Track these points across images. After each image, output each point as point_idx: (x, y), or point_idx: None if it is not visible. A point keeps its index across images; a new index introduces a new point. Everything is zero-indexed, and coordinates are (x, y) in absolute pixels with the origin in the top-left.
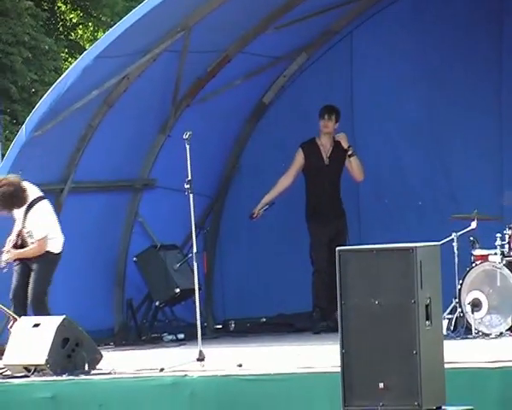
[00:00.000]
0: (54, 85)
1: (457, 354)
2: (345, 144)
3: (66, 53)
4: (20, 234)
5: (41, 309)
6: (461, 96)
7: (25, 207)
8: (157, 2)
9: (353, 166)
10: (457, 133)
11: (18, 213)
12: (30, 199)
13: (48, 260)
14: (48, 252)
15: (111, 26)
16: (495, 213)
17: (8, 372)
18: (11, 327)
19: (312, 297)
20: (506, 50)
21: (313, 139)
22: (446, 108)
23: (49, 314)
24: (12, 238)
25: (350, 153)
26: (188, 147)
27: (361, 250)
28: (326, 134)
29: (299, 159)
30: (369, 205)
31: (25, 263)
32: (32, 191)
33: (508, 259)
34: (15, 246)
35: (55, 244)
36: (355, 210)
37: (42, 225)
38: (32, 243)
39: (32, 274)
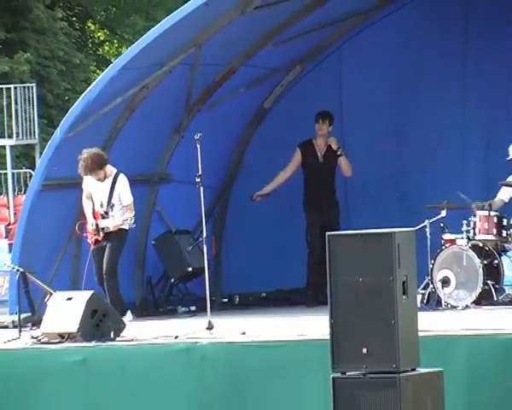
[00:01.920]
0: (84, 93)
1: (429, 323)
2: (334, 146)
3: (95, 66)
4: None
5: (113, 278)
6: (431, 102)
7: (111, 179)
8: (172, 23)
9: (342, 164)
10: (429, 135)
11: (102, 186)
12: (111, 171)
13: (121, 235)
14: (121, 229)
15: (132, 43)
16: (461, 202)
17: (45, 339)
18: (48, 300)
19: (307, 275)
20: (470, 64)
21: (310, 140)
22: (418, 113)
23: (117, 284)
24: (103, 207)
25: (339, 153)
26: (198, 146)
27: (348, 235)
28: (321, 136)
29: (297, 157)
30: (356, 196)
31: (101, 249)
32: (110, 166)
33: (473, 242)
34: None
35: (127, 222)
36: (344, 200)
37: (129, 192)
38: (112, 215)
39: (108, 248)
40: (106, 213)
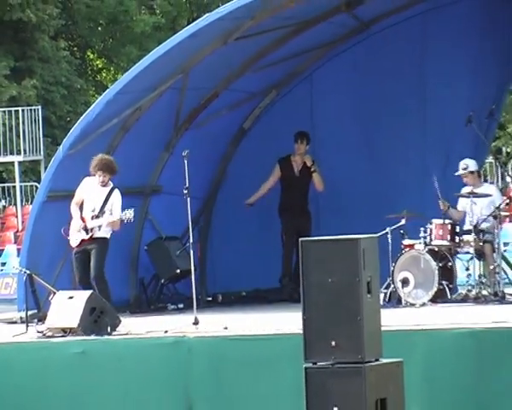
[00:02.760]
0: (84, 115)
1: (391, 319)
2: (309, 164)
3: (94, 91)
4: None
5: (102, 282)
6: (394, 123)
7: (108, 189)
8: (162, 52)
9: (315, 180)
10: (393, 153)
11: (98, 191)
12: (110, 183)
13: (104, 243)
14: (104, 237)
15: (127, 70)
16: (419, 212)
17: (50, 333)
18: (51, 299)
19: (282, 269)
20: (428, 88)
21: (288, 156)
22: (382, 133)
23: (107, 286)
24: (95, 212)
25: (313, 170)
26: (186, 161)
27: (319, 241)
28: (299, 154)
29: (277, 171)
30: (327, 206)
31: (84, 252)
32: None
33: (429, 247)
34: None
35: (110, 231)
36: (316, 210)
37: (120, 208)
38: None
39: (94, 255)
40: (96, 216)
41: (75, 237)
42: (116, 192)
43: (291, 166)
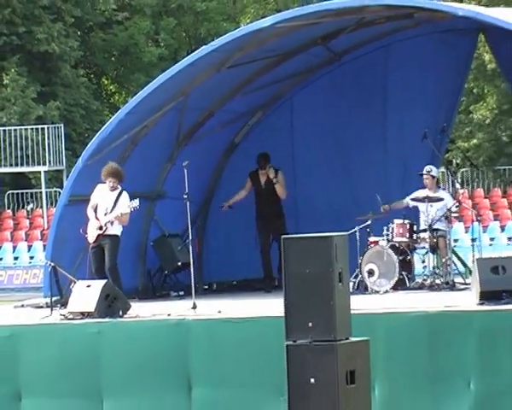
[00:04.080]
0: (99, 132)
1: (359, 304)
2: (271, 176)
3: (108, 111)
4: (108, 210)
5: (115, 272)
6: (359, 136)
7: (117, 192)
8: (166, 78)
9: (277, 190)
10: (359, 164)
11: (109, 196)
12: (118, 187)
13: (116, 239)
14: (116, 235)
15: (136, 94)
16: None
17: (71, 316)
18: (72, 287)
19: (263, 268)
20: (390, 109)
21: (257, 170)
22: (352, 149)
23: (119, 276)
24: (106, 211)
25: (274, 182)
26: (186, 171)
27: (298, 238)
28: (262, 173)
29: (248, 183)
30: (306, 211)
31: (99, 247)
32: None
33: (391, 243)
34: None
35: (120, 229)
36: (296, 215)
37: (127, 205)
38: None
39: (108, 250)
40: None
41: (92, 234)
42: (124, 193)
43: (258, 179)
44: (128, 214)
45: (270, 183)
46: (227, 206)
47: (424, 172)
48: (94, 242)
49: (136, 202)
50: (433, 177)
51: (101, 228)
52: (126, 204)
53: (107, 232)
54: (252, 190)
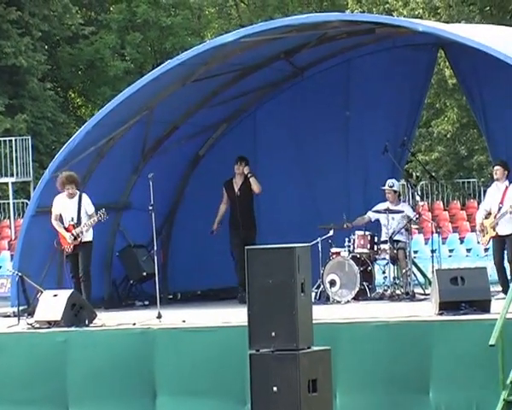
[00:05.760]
0: (66, 144)
1: (321, 314)
2: (246, 171)
3: (74, 124)
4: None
5: (88, 279)
6: (321, 148)
7: (77, 198)
8: (131, 92)
9: (252, 183)
10: (322, 175)
11: (70, 203)
12: (76, 192)
13: (89, 246)
14: (88, 241)
15: (102, 107)
16: (344, 224)
17: (37, 325)
18: (39, 296)
19: (238, 279)
20: (352, 122)
21: (231, 179)
22: (314, 159)
23: (90, 282)
24: (74, 220)
25: (250, 175)
26: (151, 183)
27: (261, 249)
28: (238, 174)
29: (224, 192)
30: (267, 220)
31: (74, 255)
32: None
33: (352, 254)
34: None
35: (91, 234)
36: (258, 225)
37: (91, 205)
38: (85, 222)
39: (81, 257)
40: (77, 224)
41: (67, 246)
42: (84, 196)
43: (232, 187)
44: (95, 213)
45: (245, 187)
46: (216, 228)
47: (386, 186)
48: (72, 251)
49: (103, 213)
50: (395, 191)
51: (76, 239)
52: (91, 205)
53: (82, 239)
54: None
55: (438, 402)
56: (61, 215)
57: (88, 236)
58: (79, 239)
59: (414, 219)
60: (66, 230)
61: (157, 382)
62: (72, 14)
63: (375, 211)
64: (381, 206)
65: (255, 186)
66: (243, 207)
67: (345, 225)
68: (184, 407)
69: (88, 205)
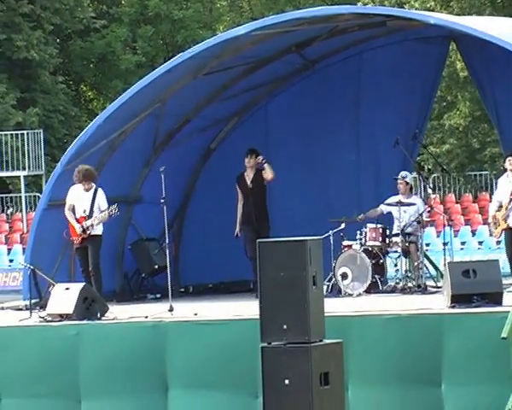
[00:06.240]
0: (78, 137)
1: (332, 307)
2: (259, 160)
3: (86, 117)
4: (87, 210)
5: (98, 273)
6: (332, 141)
7: (92, 191)
8: (143, 85)
9: (266, 168)
10: (332, 168)
11: (84, 195)
12: (92, 186)
13: (98, 239)
14: (98, 235)
15: (114, 100)
16: (356, 217)
17: (49, 318)
18: (51, 290)
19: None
20: (362, 113)
21: (242, 173)
22: (325, 152)
23: (101, 276)
24: (86, 212)
25: (264, 161)
26: (162, 176)
27: (273, 242)
28: (249, 167)
29: (237, 188)
30: (279, 214)
31: (83, 248)
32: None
33: (364, 247)
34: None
35: (102, 228)
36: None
37: (105, 201)
38: (96, 216)
39: (90, 250)
40: (89, 216)
41: (76, 237)
42: (99, 191)
43: (244, 180)
44: (107, 208)
45: (257, 179)
46: (240, 229)
47: (399, 177)
48: (79, 243)
49: (115, 209)
50: (407, 183)
51: (84, 232)
52: (105, 201)
53: (91, 233)
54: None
55: (450, 395)
56: (74, 207)
57: (97, 230)
58: (88, 232)
59: (425, 212)
60: (77, 221)
61: (169, 375)
62: (83, 8)
63: (387, 204)
64: (393, 199)
65: (269, 172)
66: (256, 199)
67: (358, 218)
68: (196, 399)
69: (102, 200)
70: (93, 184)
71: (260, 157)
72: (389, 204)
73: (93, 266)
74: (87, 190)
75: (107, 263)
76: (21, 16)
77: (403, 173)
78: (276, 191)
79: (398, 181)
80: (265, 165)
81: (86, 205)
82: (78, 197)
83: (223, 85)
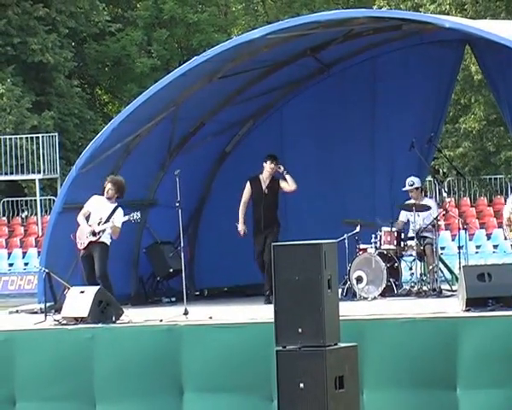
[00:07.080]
0: (93, 140)
1: (347, 310)
2: (281, 170)
3: (101, 121)
4: (103, 220)
5: (106, 280)
6: (347, 143)
7: (114, 205)
8: (158, 88)
9: (288, 179)
10: (347, 170)
11: (105, 206)
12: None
13: (106, 247)
14: (104, 243)
15: (129, 104)
16: (370, 221)
17: (64, 322)
18: (66, 293)
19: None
20: (378, 117)
21: (257, 175)
22: (341, 154)
23: (110, 284)
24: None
25: (285, 173)
26: (177, 179)
27: (288, 245)
28: (267, 172)
29: (248, 188)
30: (294, 218)
31: (89, 255)
32: None
33: (379, 250)
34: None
35: (110, 239)
36: (283, 221)
37: (120, 221)
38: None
39: (97, 257)
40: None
41: (82, 241)
42: (119, 210)
43: (260, 184)
44: (120, 229)
45: (273, 185)
46: (245, 228)
47: (407, 187)
48: (84, 248)
49: (137, 215)
50: (417, 188)
51: (94, 234)
52: (120, 220)
53: (99, 239)
54: (250, 197)
55: (465, 399)
56: (89, 214)
57: (106, 237)
58: (98, 236)
59: (440, 215)
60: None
61: (183, 378)
62: (98, 11)
63: (403, 208)
64: (408, 203)
65: (292, 184)
66: (268, 205)
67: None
68: (211, 403)
69: (118, 218)
70: (115, 200)
71: (282, 167)
72: (404, 209)
73: (100, 274)
74: (108, 198)
75: (122, 266)
76: (37, 20)
77: (409, 181)
78: (290, 195)
79: (409, 191)
80: (287, 176)
81: (104, 215)
82: (98, 208)
83: (238, 89)
